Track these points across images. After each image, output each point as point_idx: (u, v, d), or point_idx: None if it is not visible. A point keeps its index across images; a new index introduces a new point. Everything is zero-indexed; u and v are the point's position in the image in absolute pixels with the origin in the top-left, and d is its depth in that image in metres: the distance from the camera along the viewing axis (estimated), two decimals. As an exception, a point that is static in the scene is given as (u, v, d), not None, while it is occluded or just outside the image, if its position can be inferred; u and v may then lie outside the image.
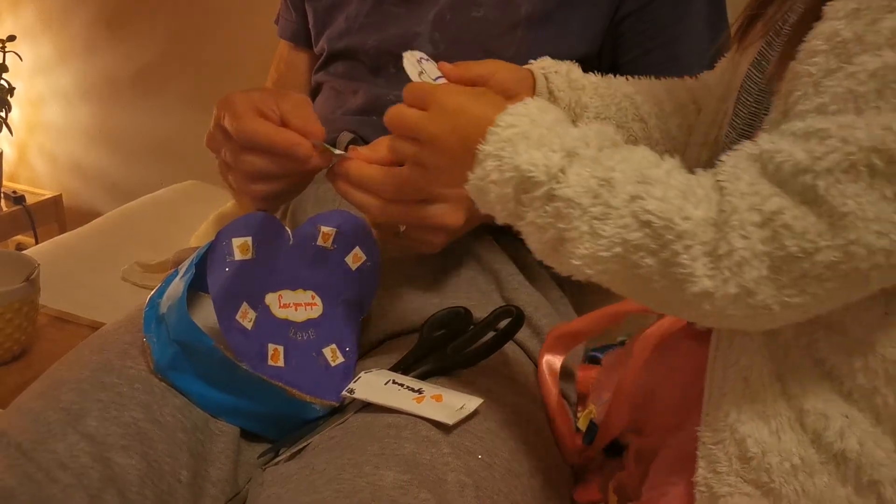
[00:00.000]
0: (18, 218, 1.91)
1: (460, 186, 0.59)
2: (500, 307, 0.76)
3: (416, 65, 0.70)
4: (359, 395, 0.68)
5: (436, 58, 0.95)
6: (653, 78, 0.80)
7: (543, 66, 0.76)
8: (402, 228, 0.77)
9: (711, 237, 0.49)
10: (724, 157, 0.52)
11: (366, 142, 0.96)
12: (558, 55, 0.92)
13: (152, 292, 0.76)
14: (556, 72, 0.76)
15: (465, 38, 0.95)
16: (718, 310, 0.50)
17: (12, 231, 1.94)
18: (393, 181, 0.70)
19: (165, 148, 1.84)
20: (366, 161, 0.71)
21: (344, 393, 0.69)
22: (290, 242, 0.75)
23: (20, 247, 2.01)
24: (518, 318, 0.74)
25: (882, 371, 0.53)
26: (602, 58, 0.95)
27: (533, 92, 0.75)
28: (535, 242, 0.57)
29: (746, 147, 0.51)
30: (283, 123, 0.73)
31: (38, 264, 1.05)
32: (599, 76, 0.78)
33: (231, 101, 0.75)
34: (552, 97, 0.75)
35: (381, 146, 0.72)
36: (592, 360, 0.90)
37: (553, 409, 0.75)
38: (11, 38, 1.84)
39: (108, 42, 1.92)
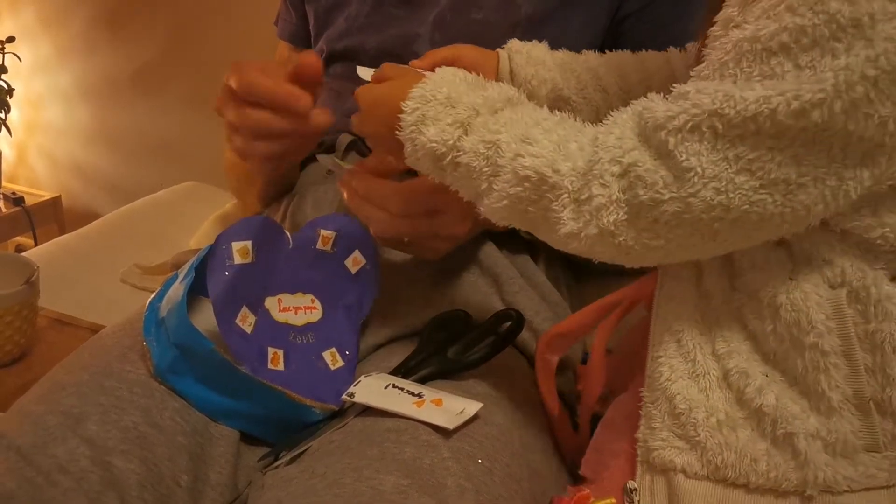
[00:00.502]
0: (18, 219, 1.91)
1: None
2: (501, 311, 0.76)
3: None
4: (359, 398, 0.68)
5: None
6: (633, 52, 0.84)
7: (509, 46, 0.81)
8: (407, 239, 0.77)
9: (578, 186, 0.56)
10: (614, 112, 0.58)
11: (365, 144, 0.96)
12: None
13: (152, 296, 0.75)
14: (517, 51, 0.81)
15: (465, 40, 0.95)
16: (587, 248, 0.57)
17: (12, 232, 1.94)
18: (400, 196, 0.72)
19: (165, 148, 1.83)
20: (373, 172, 0.73)
21: (344, 397, 0.69)
22: (290, 246, 0.75)
23: (19, 248, 2.01)
24: (518, 321, 0.74)
25: (787, 335, 0.57)
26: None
27: (496, 71, 0.81)
28: (466, 196, 0.64)
29: (637, 103, 0.57)
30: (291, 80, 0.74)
31: (38, 267, 1.04)
32: (569, 53, 0.82)
33: (239, 63, 0.76)
34: (512, 74, 0.80)
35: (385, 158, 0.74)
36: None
37: (552, 409, 0.76)
38: (10, 40, 1.84)
39: (107, 42, 1.92)
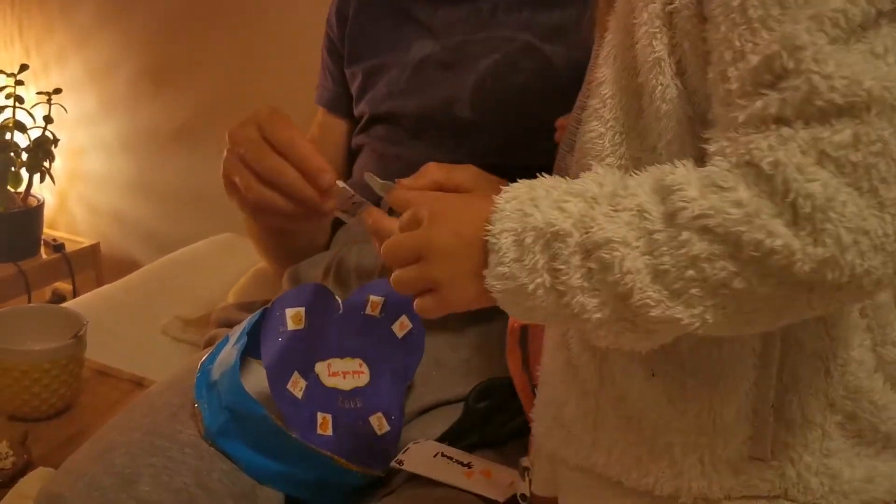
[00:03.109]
0: (57, 265, 1.95)
1: (477, 296, 0.52)
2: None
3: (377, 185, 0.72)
4: (408, 467, 0.68)
5: (476, 122, 0.98)
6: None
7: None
8: None
9: (777, 204, 0.43)
10: (718, 146, 0.47)
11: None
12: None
13: (203, 358, 0.77)
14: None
15: (505, 104, 0.97)
16: (848, 271, 0.43)
17: (51, 278, 1.97)
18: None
19: (203, 200, 1.86)
20: (410, 188, 0.71)
21: (393, 464, 0.70)
22: (340, 311, 0.76)
23: (57, 292, 2.04)
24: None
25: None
26: None
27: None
28: (600, 328, 0.48)
29: (724, 127, 0.47)
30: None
31: (87, 321, 1.06)
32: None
33: (240, 135, 0.77)
34: None
35: (426, 173, 0.72)
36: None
37: (515, 372, 0.72)
38: (57, 91, 1.89)
39: (150, 96, 1.96)
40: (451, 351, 0.85)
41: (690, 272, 0.45)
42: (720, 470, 0.53)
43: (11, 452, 0.95)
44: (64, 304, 1.33)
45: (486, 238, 0.50)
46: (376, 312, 0.77)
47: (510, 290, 0.49)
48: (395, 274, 0.55)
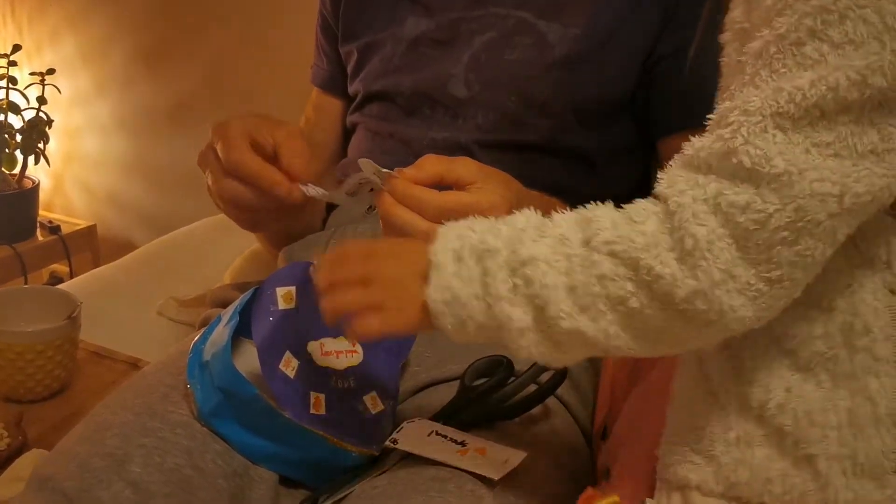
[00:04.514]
0: (53, 247, 1.94)
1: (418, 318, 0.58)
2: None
3: (371, 170, 0.71)
4: (402, 446, 0.68)
5: (471, 99, 0.97)
6: None
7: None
8: None
9: (673, 239, 0.51)
10: (658, 176, 0.55)
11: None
12: (594, 96, 0.93)
13: (195, 338, 0.76)
14: None
15: (499, 80, 0.96)
16: (716, 306, 0.51)
17: (48, 260, 1.97)
18: (436, 203, 0.70)
19: (200, 180, 1.86)
20: (413, 181, 0.72)
21: (387, 443, 0.69)
22: (333, 290, 0.76)
23: (54, 275, 2.03)
24: (561, 372, 0.74)
25: (840, 337, 0.55)
26: (636, 96, 0.95)
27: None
28: (521, 337, 0.55)
29: (675, 159, 0.54)
30: (275, 153, 0.77)
31: (81, 303, 1.06)
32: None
33: (226, 127, 0.78)
34: None
35: (426, 165, 0.72)
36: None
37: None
38: (51, 72, 1.88)
39: (145, 76, 1.95)
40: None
41: (597, 288, 0.53)
42: (865, 482, 0.54)
43: (6, 434, 0.95)
44: (60, 286, 1.32)
45: (429, 258, 0.57)
46: (370, 291, 0.77)
47: (447, 300, 0.56)
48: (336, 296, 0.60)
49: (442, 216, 0.71)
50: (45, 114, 1.87)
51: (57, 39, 2.04)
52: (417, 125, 1.00)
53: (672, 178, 0.53)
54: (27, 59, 2.03)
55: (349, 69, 1.07)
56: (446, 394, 0.76)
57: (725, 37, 0.56)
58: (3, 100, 1.84)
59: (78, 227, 2.03)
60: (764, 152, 0.50)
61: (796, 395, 0.56)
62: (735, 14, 0.55)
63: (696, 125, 0.55)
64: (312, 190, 0.75)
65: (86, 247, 2.03)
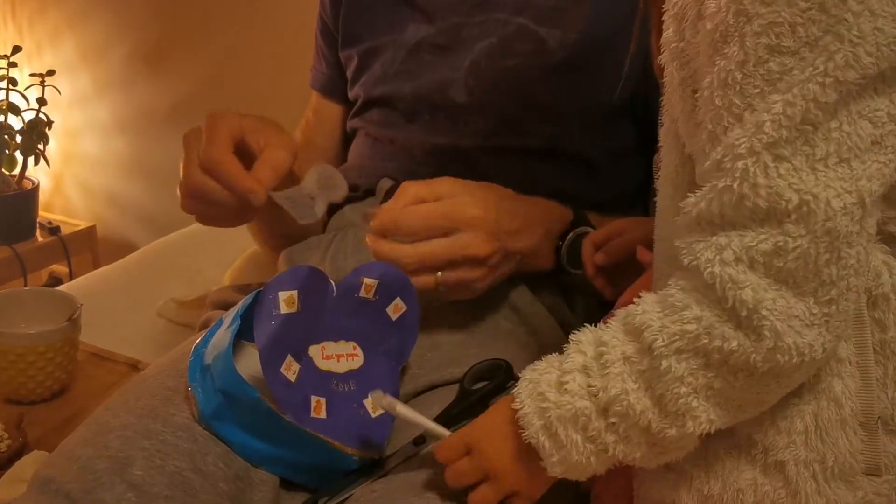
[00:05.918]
0: (53, 247, 1.94)
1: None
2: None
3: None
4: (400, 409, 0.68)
5: (471, 104, 0.97)
6: None
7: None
8: (440, 275, 0.78)
9: (725, 311, 0.52)
10: (677, 246, 0.55)
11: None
12: (594, 99, 0.94)
13: (197, 341, 0.77)
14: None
15: (500, 86, 0.96)
16: (795, 351, 0.51)
17: (47, 261, 1.97)
18: (410, 217, 0.73)
19: (199, 181, 1.86)
20: (393, 210, 0.75)
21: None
22: (334, 294, 0.76)
23: (53, 275, 2.04)
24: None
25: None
26: (636, 99, 0.96)
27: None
28: (644, 462, 0.58)
29: (682, 225, 0.54)
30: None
31: (81, 304, 1.06)
32: None
33: (218, 120, 0.79)
34: None
35: (407, 191, 0.75)
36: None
37: None
38: (51, 73, 1.88)
39: (145, 77, 1.95)
40: (446, 333, 0.84)
41: (682, 389, 0.53)
42: (836, 485, 0.55)
43: (7, 435, 0.95)
44: (60, 287, 1.32)
45: (527, 441, 0.59)
46: (370, 295, 0.77)
47: (568, 468, 0.59)
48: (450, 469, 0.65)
49: (427, 228, 0.75)
50: (45, 115, 1.87)
51: (57, 40, 2.04)
52: (418, 131, 1.00)
53: (693, 249, 0.53)
54: (27, 60, 2.03)
55: (349, 74, 1.08)
56: (446, 397, 0.77)
57: (664, 57, 0.56)
58: (3, 101, 1.84)
59: (78, 228, 2.03)
60: (774, 189, 0.49)
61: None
62: (668, 35, 0.55)
63: None
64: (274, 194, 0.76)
65: (85, 248, 2.03)
